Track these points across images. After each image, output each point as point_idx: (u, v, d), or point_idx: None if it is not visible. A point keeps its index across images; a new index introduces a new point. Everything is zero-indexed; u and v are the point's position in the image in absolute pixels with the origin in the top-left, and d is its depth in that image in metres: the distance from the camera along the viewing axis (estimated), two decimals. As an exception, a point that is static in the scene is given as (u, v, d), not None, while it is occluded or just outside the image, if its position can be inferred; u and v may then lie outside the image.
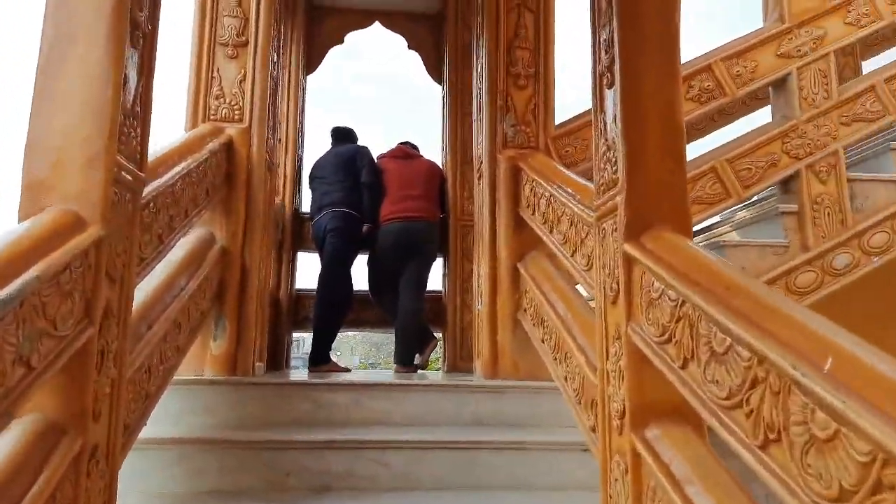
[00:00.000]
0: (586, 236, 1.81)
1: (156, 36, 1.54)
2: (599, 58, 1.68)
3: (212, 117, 2.64)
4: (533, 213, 2.49)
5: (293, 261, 4.18)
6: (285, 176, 4.17)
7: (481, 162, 2.89)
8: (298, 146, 4.31)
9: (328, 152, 4.22)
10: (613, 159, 1.56)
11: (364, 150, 4.14)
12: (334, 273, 3.84)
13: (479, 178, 2.97)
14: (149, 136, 1.53)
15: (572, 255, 1.94)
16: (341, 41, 4.61)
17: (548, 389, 2.30)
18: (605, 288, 1.58)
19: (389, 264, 3.98)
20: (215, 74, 2.67)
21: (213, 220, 2.55)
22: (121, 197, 1.39)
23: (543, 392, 2.32)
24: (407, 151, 4.24)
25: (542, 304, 2.26)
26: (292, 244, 4.15)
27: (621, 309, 1.47)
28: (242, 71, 2.70)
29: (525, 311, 2.56)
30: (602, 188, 1.62)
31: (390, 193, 4.03)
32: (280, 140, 4.13)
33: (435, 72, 4.68)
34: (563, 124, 2.90)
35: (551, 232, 2.22)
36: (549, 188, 2.23)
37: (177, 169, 1.89)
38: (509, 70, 2.84)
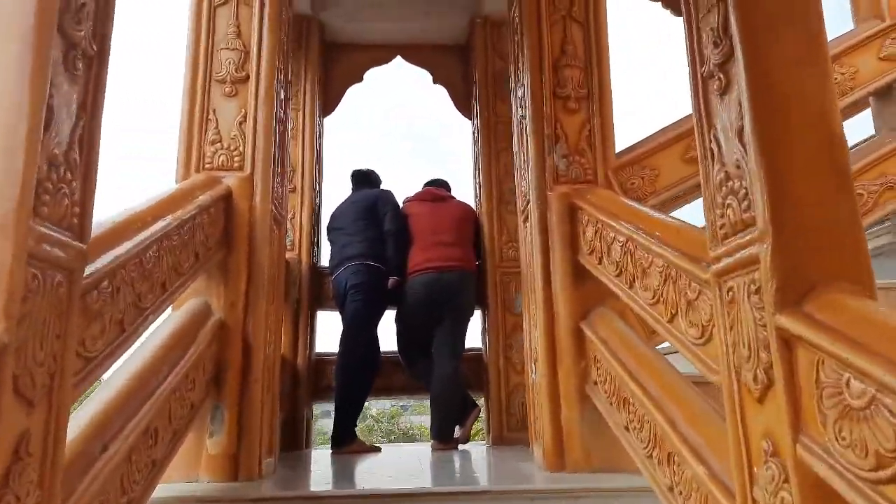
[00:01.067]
0: (697, 297, 1.34)
1: (105, 61, 1.17)
2: (702, 55, 1.25)
3: (207, 166, 2.28)
4: (600, 262, 2.04)
5: (312, 322, 3.77)
6: (301, 228, 3.81)
7: (527, 202, 2.47)
8: (315, 194, 3.96)
9: (347, 199, 3.86)
10: (741, 190, 1.11)
11: (386, 195, 3.76)
12: (357, 336, 3.41)
13: (526, 221, 2.54)
14: (93, 192, 1.14)
15: (671, 321, 1.47)
16: (360, 79, 4.30)
17: (637, 491, 1.79)
18: (740, 376, 1.10)
19: (420, 322, 3.54)
20: (211, 116, 2.33)
21: (209, 289, 2.16)
22: (44, 280, 0.98)
23: (631, 497, 1.81)
24: (436, 193, 3.85)
25: (623, 379, 1.78)
26: (310, 303, 3.74)
27: (777, 411, 1.00)
28: (242, 111, 2.35)
29: (596, 384, 2.07)
30: (723, 232, 1.17)
31: (419, 241, 3.62)
32: (294, 189, 3.79)
33: (463, 106, 4.33)
34: (625, 152, 2.47)
35: (631, 287, 1.76)
36: (624, 230, 1.79)
37: (148, 232, 1.50)
38: (556, 92, 2.43)
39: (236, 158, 2.30)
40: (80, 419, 1.29)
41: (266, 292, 2.24)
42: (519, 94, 2.65)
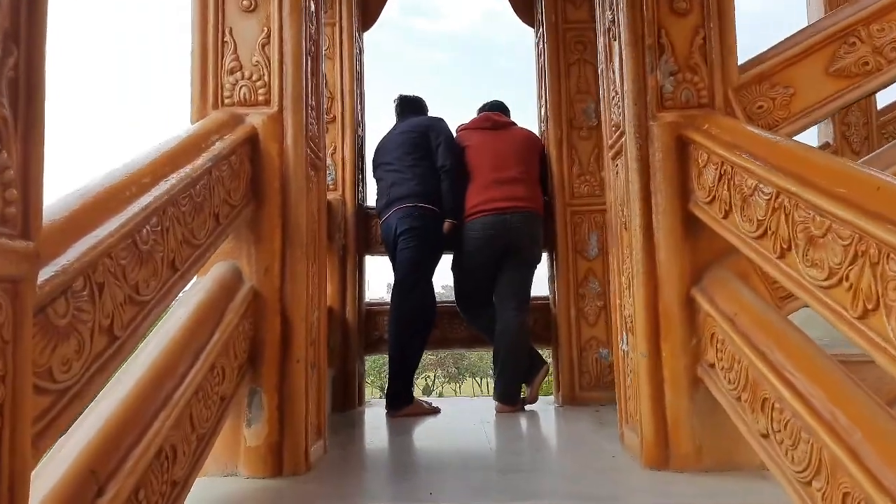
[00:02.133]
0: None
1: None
2: None
3: (226, 101, 1.91)
4: (726, 216, 1.61)
5: (360, 269, 3.48)
6: (343, 163, 3.44)
7: (620, 133, 2.01)
8: (357, 124, 3.56)
9: (393, 130, 3.45)
10: None
11: (438, 123, 3.33)
12: (410, 287, 3.10)
13: (616, 157, 2.09)
14: (39, 162, 0.80)
15: (863, 318, 1.05)
16: (402, -17, 3.75)
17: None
18: None
19: (482, 270, 3.20)
20: (227, 38, 1.93)
21: (238, 250, 1.85)
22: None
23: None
24: (495, 119, 3.39)
25: (763, 374, 1.40)
26: (357, 248, 3.43)
27: None
28: (265, 29, 1.94)
29: (714, 367, 1.70)
30: None
31: (478, 177, 3.22)
32: (333, 118, 3.40)
33: (525, 12, 3.76)
34: (748, 66, 1.95)
35: (783, 256, 1.33)
36: (776, 180, 1.34)
37: (143, 200, 1.16)
38: (660, -17, 1.91)
39: (261, 91, 1.92)
40: (68, 451, 1.02)
41: (306, 252, 1.91)
42: (608, -5, 2.12)
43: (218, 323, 1.59)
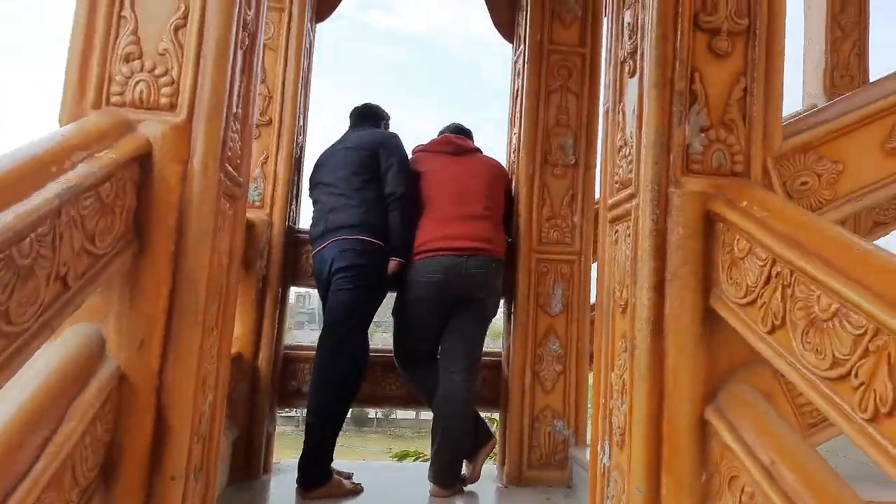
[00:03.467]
0: None
1: None
2: None
3: (114, 99, 1.41)
4: (774, 331, 1.26)
5: (282, 304, 2.99)
6: (276, 176, 2.96)
7: (629, 195, 1.64)
8: (298, 130, 3.08)
9: (339, 143, 3.00)
10: None
11: (392, 140, 2.89)
12: (341, 337, 2.65)
13: (618, 221, 1.73)
14: None
15: None
16: (366, -28, 3.31)
17: None
18: None
19: (428, 320, 2.79)
20: (126, 11, 1.44)
21: (106, 310, 1.34)
22: None
23: None
24: (458, 143, 3.00)
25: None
26: (281, 279, 2.94)
27: None
28: (182, 7, 1.46)
29: (732, 522, 1.34)
30: None
31: (433, 209, 2.81)
32: (269, 122, 2.92)
33: (505, 26, 3.38)
34: (792, 128, 1.63)
35: (878, 419, 0.98)
36: (874, 312, 0.99)
37: None
38: (699, 20, 1.56)
39: (165, 90, 1.43)
40: None
41: (204, 318, 1.43)
42: (625, 20, 1.76)
43: (51, 435, 1.09)
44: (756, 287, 1.32)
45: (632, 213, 1.61)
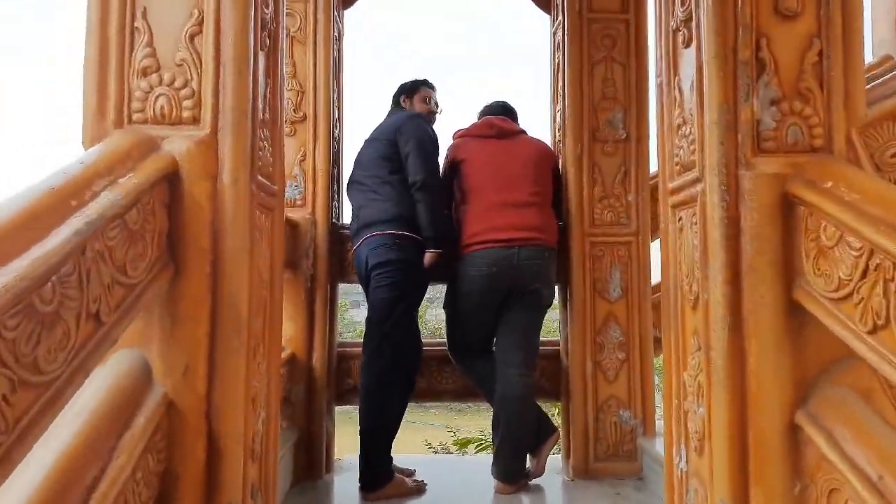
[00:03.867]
0: None
1: None
2: None
3: (135, 116, 1.36)
4: (875, 330, 1.11)
5: (332, 302, 2.95)
6: (315, 173, 2.90)
7: (694, 179, 1.49)
8: (334, 124, 3.00)
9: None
10: None
11: (409, 123, 2.75)
12: (385, 333, 2.59)
13: (682, 207, 1.58)
14: None
15: None
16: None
17: None
18: None
19: (481, 315, 2.69)
20: (139, 22, 1.37)
21: (149, 336, 1.31)
22: None
23: None
24: (501, 126, 2.86)
25: None
26: (329, 277, 2.90)
27: None
28: (195, 12, 1.38)
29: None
30: None
31: (479, 199, 2.69)
32: (303, 117, 2.86)
33: (541, -5, 3.20)
34: (878, 88, 1.44)
35: None
36: None
37: None
38: (764, -22, 1.39)
39: (187, 103, 1.36)
40: None
41: (248, 337, 1.38)
42: (678, -19, 1.59)
43: (100, 474, 1.06)
44: (851, 280, 1.17)
45: (697, 200, 1.46)
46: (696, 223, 1.49)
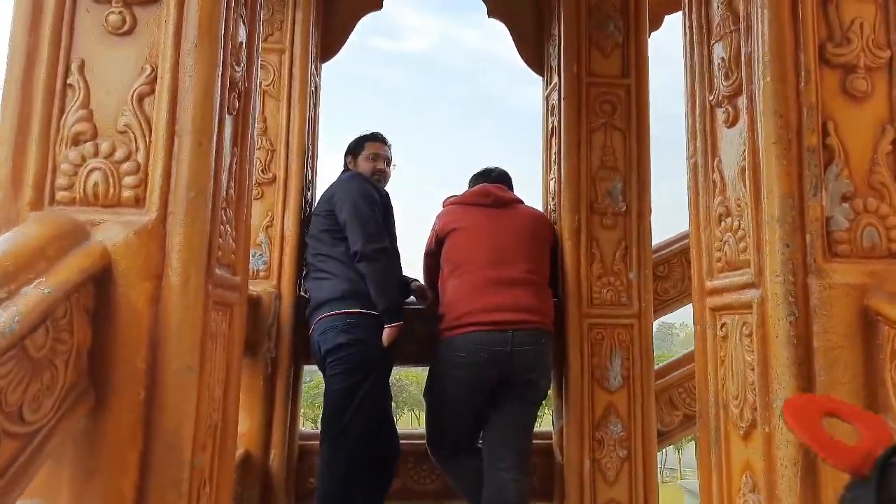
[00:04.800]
0: None
1: None
2: None
3: (60, 195, 1.08)
4: None
5: (295, 389, 2.62)
6: (283, 240, 2.62)
7: (746, 283, 1.27)
8: (307, 186, 2.75)
9: None
10: None
11: (340, 188, 2.51)
12: (343, 431, 2.28)
13: (720, 314, 1.35)
14: None
15: None
16: (379, 6, 3.01)
17: None
18: None
19: (466, 407, 2.40)
20: (74, 77, 1.11)
21: (54, 489, 0.99)
22: None
23: None
24: (497, 195, 2.63)
25: None
26: (291, 357, 2.58)
27: None
28: (147, 68, 1.12)
29: None
30: None
31: (469, 273, 2.44)
32: (272, 179, 2.59)
33: (533, 53, 3.06)
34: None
35: None
36: None
37: None
38: (825, 55, 1.21)
39: (129, 180, 1.09)
40: None
41: (190, 481, 1.07)
42: (717, 54, 1.41)
43: None
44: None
45: (753, 309, 1.23)
46: (749, 335, 1.25)
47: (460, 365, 2.34)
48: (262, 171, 2.61)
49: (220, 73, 1.17)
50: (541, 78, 3.06)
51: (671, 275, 2.86)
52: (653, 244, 2.77)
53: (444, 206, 2.67)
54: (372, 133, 2.72)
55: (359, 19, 2.97)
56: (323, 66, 3.02)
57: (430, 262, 2.61)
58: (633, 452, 2.56)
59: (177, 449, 1.03)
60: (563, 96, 2.74)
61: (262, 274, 2.57)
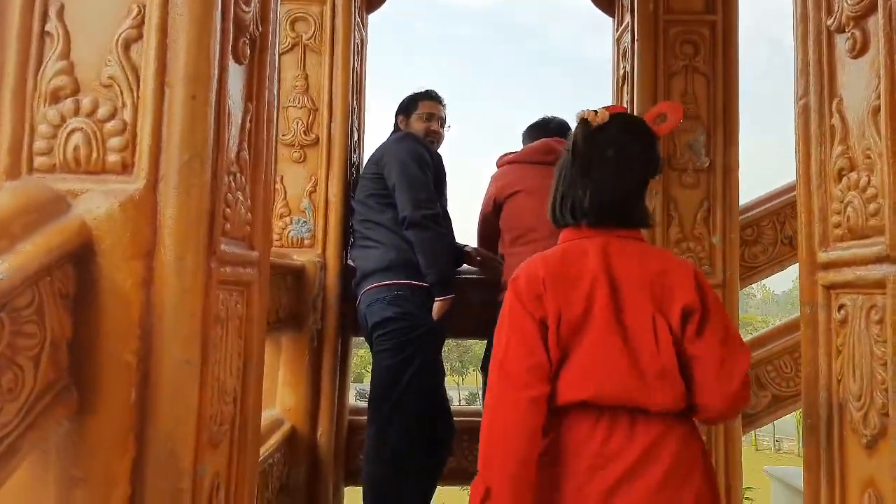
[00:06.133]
0: None
1: None
2: None
3: (38, 161, 0.94)
4: None
5: (343, 362, 2.51)
6: (327, 207, 2.47)
7: (878, 257, 1.01)
8: (352, 148, 2.58)
9: None
10: None
11: (390, 149, 2.33)
12: (394, 410, 2.14)
13: (837, 292, 1.10)
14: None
15: None
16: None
17: None
18: None
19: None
20: (52, 25, 0.95)
21: (42, 482, 0.88)
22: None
23: None
24: (561, 151, 2.36)
25: None
26: (340, 331, 2.46)
27: None
28: (135, 7, 0.96)
29: None
30: None
31: (534, 242, 2.19)
32: (315, 140, 2.45)
33: (603, -7, 2.74)
34: None
35: None
36: None
37: None
38: None
39: (114, 142, 0.93)
40: None
41: (193, 489, 0.93)
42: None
43: None
44: None
45: (888, 289, 0.97)
46: (879, 322, 1.00)
47: None
48: (305, 132, 2.46)
49: (219, 11, 0.98)
50: (611, 20, 2.75)
51: (761, 238, 2.54)
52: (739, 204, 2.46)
53: (498, 166, 2.44)
54: (426, 91, 2.51)
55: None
56: (370, 17, 2.82)
57: (486, 228, 2.41)
58: (714, 436, 2.31)
59: (175, 455, 0.89)
60: (636, 37, 2.44)
61: (306, 242, 2.45)
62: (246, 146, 1.14)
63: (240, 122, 1.12)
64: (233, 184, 1.07)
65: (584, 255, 1.19)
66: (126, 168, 0.93)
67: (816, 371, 1.17)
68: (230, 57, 1.05)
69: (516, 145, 2.50)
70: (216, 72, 0.99)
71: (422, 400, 2.17)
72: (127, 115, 0.94)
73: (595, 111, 1.26)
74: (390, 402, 2.13)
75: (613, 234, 1.22)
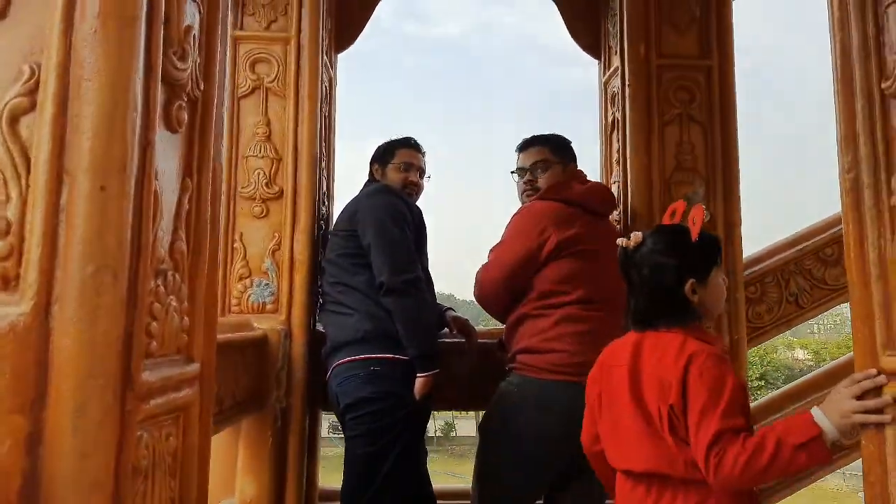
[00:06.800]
0: None
1: None
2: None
3: None
4: None
5: (312, 439, 2.25)
6: (292, 267, 2.23)
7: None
8: (321, 198, 2.36)
9: None
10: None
11: (367, 203, 2.09)
12: None
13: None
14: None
15: None
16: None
17: None
18: None
19: (541, 477, 1.94)
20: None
21: None
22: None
23: None
24: (604, 196, 2.11)
25: None
26: (306, 407, 2.19)
27: None
28: (27, 69, 0.73)
29: None
30: None
31: (606, 310, 1.90)
32: (279, 194, 2.22)
33: (587, 32, 2.59)
34: None
35: None
36: None
37: None
38: None
39: (-8, 247, 0.70)
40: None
41: None
42: (897, 15, 0.95)
43: None
44: None
45: None
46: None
47: (546, 423, 1.86)
48: (267, 184, 2.24)
49: (140, 72, 0.76)
50: (596, 61, 2.61)
51: (765, 297, 2.36)
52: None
53: (528, 201, 2.06)
54: (404, 138, 2.29)
55: (375, 3, 2.55)
56: (338, 57, 2.63)
57: (516, 279, 1.96)
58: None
59: None
60: (627, 82, 2.28)
61: (269, 307, 2.21)
62: (183, 234, 0.91)
63: (174, 206, 0.90)
64: (162, 288, 0.84)
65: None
66: (7, 284, 0.69)
67: (884, 497, 0.97)
68: (159, 127, 0.83)
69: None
70: (135, 151, 0.76)
71: (402, 490, 1.92)
72: (11, 212, 0.71)
73: (629, 237, 1.37)
74: (365, 497, 1.87)
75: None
